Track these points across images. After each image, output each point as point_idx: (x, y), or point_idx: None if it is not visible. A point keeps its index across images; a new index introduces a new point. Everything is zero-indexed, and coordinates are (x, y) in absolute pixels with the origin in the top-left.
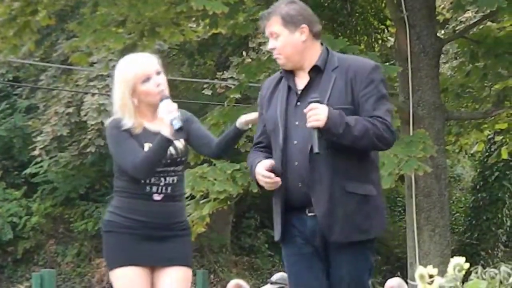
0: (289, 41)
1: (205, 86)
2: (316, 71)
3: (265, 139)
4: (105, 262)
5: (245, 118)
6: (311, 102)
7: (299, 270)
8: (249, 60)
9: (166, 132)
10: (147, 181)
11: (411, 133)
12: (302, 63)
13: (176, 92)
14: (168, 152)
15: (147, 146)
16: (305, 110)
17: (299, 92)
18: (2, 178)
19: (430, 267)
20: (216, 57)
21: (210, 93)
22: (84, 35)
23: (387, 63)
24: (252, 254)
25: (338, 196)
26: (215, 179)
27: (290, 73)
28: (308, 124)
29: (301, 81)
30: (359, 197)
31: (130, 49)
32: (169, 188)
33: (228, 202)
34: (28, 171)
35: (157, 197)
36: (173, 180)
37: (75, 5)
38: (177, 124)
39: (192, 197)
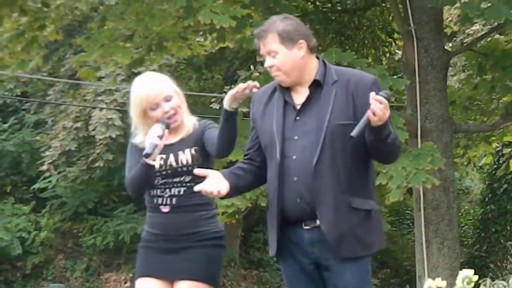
0: (287, 58)
1: (213, 100)
2: (315, 86)
3: (252, 152)
4: None
5: (230, 94)
6: (382, 96)
7: (299, 283)
8: (257, 74)
9: (147, 150)
10: (153, 193)
11: (419, 146)
12: (301, 78)
13: None
14: (168, 163)
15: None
16: (377, 97)
17: (298, 107)
18: (11, 193)
19: (438, 279)
20: (224, 71)
21: (218, 107)
22: (92, 50)
23: (395, 76)
24: (261, 268)
25: (343, 212)
26: None
27: (286, 88)
28: (371, 112)
29: (299, 95)
30: (363, 213)
31: (138, 63)
32: (175, 200)
33: (236, 216)
34: (36, 186)
35: (164, 209)
36: (179, 191)
37: (83, 20)
38: (146, 149)
39: None
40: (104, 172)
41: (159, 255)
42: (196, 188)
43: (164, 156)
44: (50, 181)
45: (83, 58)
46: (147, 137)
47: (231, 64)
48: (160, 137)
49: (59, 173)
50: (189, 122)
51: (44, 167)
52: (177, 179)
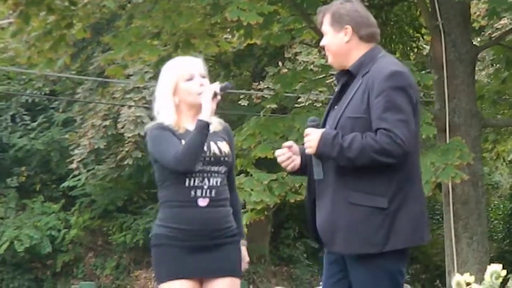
0: (333, 41)
1: (241, 96)
2: (350, 75)
3: None
4: (154, 276)
5: None
6: (307, 126)
7: (325, 278)
8: (285, 70)
9: (204, 115)
10: (191, 184)
11: (447, 141)
12: (346, 64)
13: None
14: (212, 150)
15: None
16: (306, 130)
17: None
18: (40, 192)
19: (467, 274)
20: (252, 67)
21: (246, 104)
22: (120, 48)
23: (423, 71)
24: (291, 264)
25: (340, 207)
26: (251, 190)
27: (341, 74)
28: (306, 151)
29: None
30: (367, 209)
31: (166, 61)
32: (214, 191)
33: (265, 213)
34: (66, 184)
35: (202, 202)
36: (217, 182)
37: (110, 18)
38: (222, 85)
39: None
40: (133, 170)
41: (190, 254)
42: (287, 143)
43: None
44: (79, 179)
45: (111, 56)
46: (205, 94)
47: (259, 60)
48: (227, 87)
49: (88, 171)
50: (215, 118)
51: (73, 165)
52: (215, 168)
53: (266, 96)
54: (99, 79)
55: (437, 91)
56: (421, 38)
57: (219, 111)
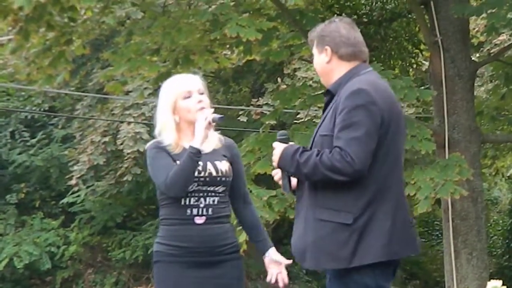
0: (317, 61)
1: (240, 113)
2: (329, 95)
3: None
4: None
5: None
6: (276, 140)
7: None
8: (284, 86)
9: (195, 142)
10: (187, 203)
11: (446, 157)
12: (331, 83)
13: None
14: (208, 170)
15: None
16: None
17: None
18: (40, 208)
19: None
20: (251, 83)
21: (245, 120)
22: (119, 64)
23: (422, 87)
24: (290, 281)
25: (310, 224)
26: None
27: (325, 93)
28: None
29: None
30: (333, 225)
31: (165, 77)
32: (210, 210)
33: (265, 229)
34: (65, 200)
35: (198, 220)
36: (213, 201)
37: (110, 35)
38: (216, 116)
39: None
40: (132, 186)
41: (190, 271)
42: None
43: (201, 162)
44: (78, 196)
45: (110, 73)
46: (199, 122)
47: (258, 76)
48: (220, 119)
49: (87, 187)
50: (216, 135)
51: (73, 182)
52: (211, 188)
53: (265, 112)
54: (99, 95)
55: (436, 107)
56: (420, 54)
57: (218, 126)
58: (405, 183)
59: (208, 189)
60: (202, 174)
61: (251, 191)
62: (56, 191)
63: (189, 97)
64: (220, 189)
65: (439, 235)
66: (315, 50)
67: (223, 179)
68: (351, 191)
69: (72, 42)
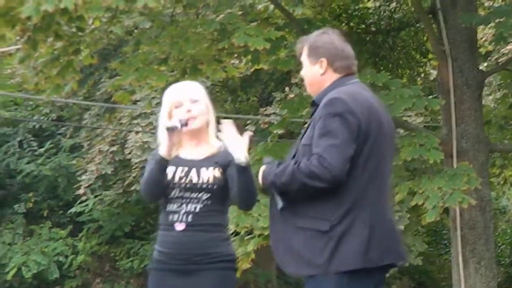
0: (308, 72)
1: (248, 122)
2: (314, 105)
3: None
4: None
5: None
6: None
7: None
8: (292, 95)
9: (160, 149)
10: (169, 209)
11: (455, 166)
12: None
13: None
14: (189, 177)
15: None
16: None
17: None
18: (48, 218)
19: None
20: (259, 93)
21: (253, 129)
22: (127, 74)
23: (430, 96)
24: None
25: (290, 231)
26: (259, 215)
27: (312, 104)
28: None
29: None
30: (310, 232)
31: None
32: (190, 217)
33: None
34: (73, 210)
35: (178, 226)
36: (195, 208)
37: (118, 44)
38: (169, 124)
39: (236, 233)
40: (140, 196)
41: (170, 278)
42: None
43: (186, 169)
44: (86, 205)
45: (118, 82)
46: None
47: (266, 86)
48: (174, 128)
49: (95, 197)
50: (215, 143)
51: (81, 191)
52: (194, 195)
53: (273, 121)
54: (106, 104)
55: (444, 116)
56: (428, 63)
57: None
58: (390, 191)
59: (190, 195)
60: (183, 181)
61: (259, 200)
62: (64, 201)
63: (179, 106)
64: (204, 196)
65: (447, 244)
66: (305, 60)
67: (204, 186)
68: (329, 198)
69: (80, 52)
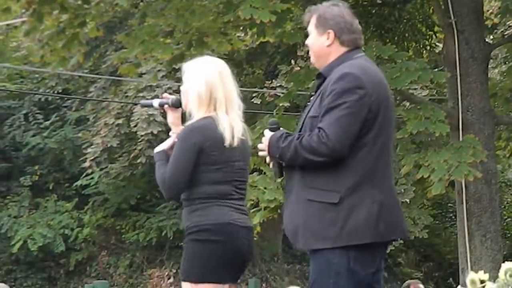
0: (315, 42)
1: (254, 95)
2: (321, 77)
3: None
4: None
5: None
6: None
7: None
8: (298, 68)
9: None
10: None
11: (460, 139)
12: (322, 67)
13: None
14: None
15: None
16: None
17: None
18: (53, 190)
19: (481, 272)
20: (265, 65)
21: (259, 102)
22: (133, 46)
23: (436, 69)
24: (304, 262)
25: (300, 205)
26: (265, 188)
27: (318, 76)
28: (259, 154)
29: None
30: (320, 205)
31: (178, 59)
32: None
33: (279, 211)
34: (79, 183)
35: None
36: None
37: (123, 17)
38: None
39: None
40: (146, 168)
41: None
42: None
43: None
44: (92, 178)
45: (124, 55)
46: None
47: (272, 59)
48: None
49: (101, 169)
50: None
51: (86, 164)
52: None
53: (279, 94)
54: (112, 77)
55: (450, 89)
56: (434, 36)
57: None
58: (393, 168)
59: None
60: None
61: (264, 173)
62: (69, 174)
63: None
64: None
65: (453, 217)
66: (313, 30)
67: None
68: (339, 172)
69: (86, 24)
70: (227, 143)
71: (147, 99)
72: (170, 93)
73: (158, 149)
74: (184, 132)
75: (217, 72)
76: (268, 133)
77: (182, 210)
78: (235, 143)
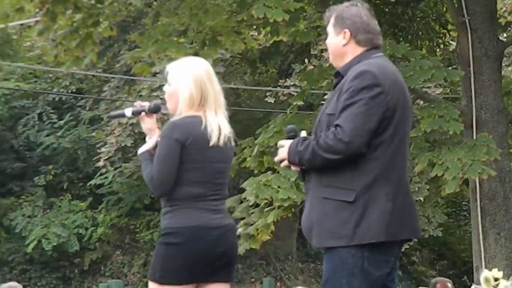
0: (332, 42)
1: (267, 94)
2: (338, 76)
3: None
4: None
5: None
6: (285, 137)
7: None
8: (311, 67)
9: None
10: None
11: (474, 137)
12: (342, 65)
13: (239, 100)
14: None
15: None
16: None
17: None
18: (68, 190)
19: (495, 270)
20: (278, 64)
21: (273, 101)
22: (146, 46)
23: (449, 67)
24: (318, 261)
25: (315, 203)
26: (279, 187)
27: (336, 74)
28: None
29: None
30: (335, 203)
31: None
32: None
33: (293, 210)
34: (93, 182)
35: None
36: None
37: (137, 16)
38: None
39: (256, 205)
40: None
41: None
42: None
43: None
44: (106, 177)
45: (137, 54)
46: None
47: (285, 57)
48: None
49: (115, 169)
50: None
51: (100, 163)
52: None
53: (292, 93)
54: (126, 77)
55: (463, 87)
56: (447, 34)
57: (246, 108)
58: (408, 166)
59: None
60: None
61: (278, 172)
62: (83, 173)
63: None
64: None
65: (467, 216)
66: (331, 30)
67: None
68: (355, 170)
69: (99, 24)
70: (212, 143)
71: (161, 98)
72: None
73: (142, 149)
74: (167, 128)
75: (205, 71)
76: (286, 142)
77: None
78: (221, 144)
